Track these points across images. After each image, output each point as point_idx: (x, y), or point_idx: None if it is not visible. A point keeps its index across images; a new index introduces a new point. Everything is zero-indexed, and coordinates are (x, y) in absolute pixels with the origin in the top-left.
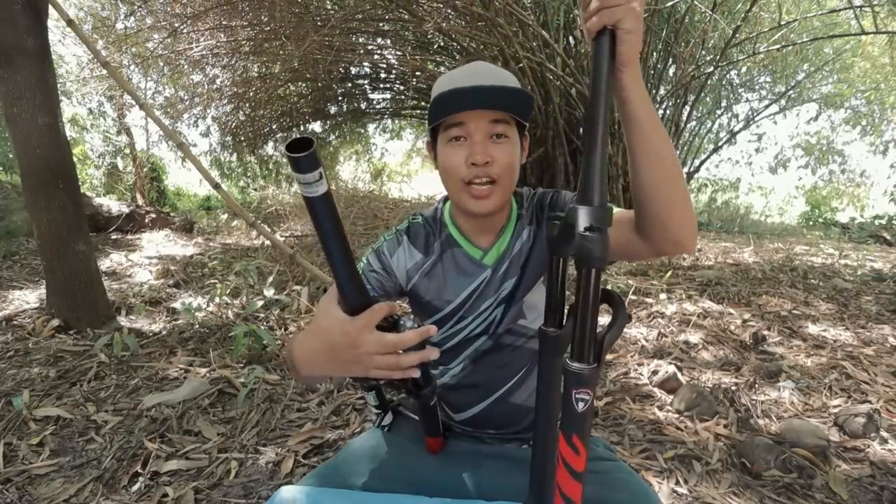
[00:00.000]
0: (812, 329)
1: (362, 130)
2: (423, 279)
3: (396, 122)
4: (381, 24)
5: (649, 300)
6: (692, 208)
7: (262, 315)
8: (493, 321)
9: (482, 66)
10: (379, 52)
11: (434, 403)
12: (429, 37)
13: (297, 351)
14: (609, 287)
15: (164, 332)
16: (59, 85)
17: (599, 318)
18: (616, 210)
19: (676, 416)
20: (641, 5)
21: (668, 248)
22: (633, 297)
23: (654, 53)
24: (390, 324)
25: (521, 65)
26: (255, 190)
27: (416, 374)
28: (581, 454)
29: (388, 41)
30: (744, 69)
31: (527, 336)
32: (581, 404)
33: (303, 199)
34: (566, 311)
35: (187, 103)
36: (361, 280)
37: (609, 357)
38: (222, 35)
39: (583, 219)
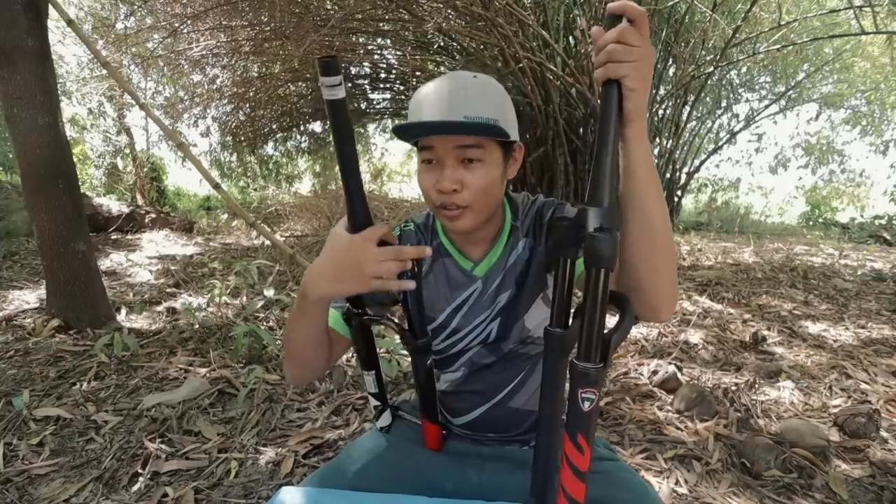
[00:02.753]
0: (812, 329)
1: (362, 130)
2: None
3: (396, 122)
4: (381, 24)
5: None
6: (674, 278)
7: (262, 315)
8: (488, 335)
9: (459, 83)
10: (379, 52)
11: (430, 364)
12: (429, 37)
13: (307, 274)
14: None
15: (164, 332)
16: (59, 85)
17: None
18: None
19: (676, 416)
20: (648, 67)
21: (644, 313)
22: None
23: (654, 53)
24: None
25: (521, 65)
26: (255, 190)
27: (412, 285)
28: (585, 454)
29: (388, 41)
30: (744, 69)
31: (525, 343)
32: (587, 404)
33: (325, 104)
34: (572, 312)
35: (187, 103)
36: (365, 196)
37: None
38: (222, 35)
39: (593, 219)
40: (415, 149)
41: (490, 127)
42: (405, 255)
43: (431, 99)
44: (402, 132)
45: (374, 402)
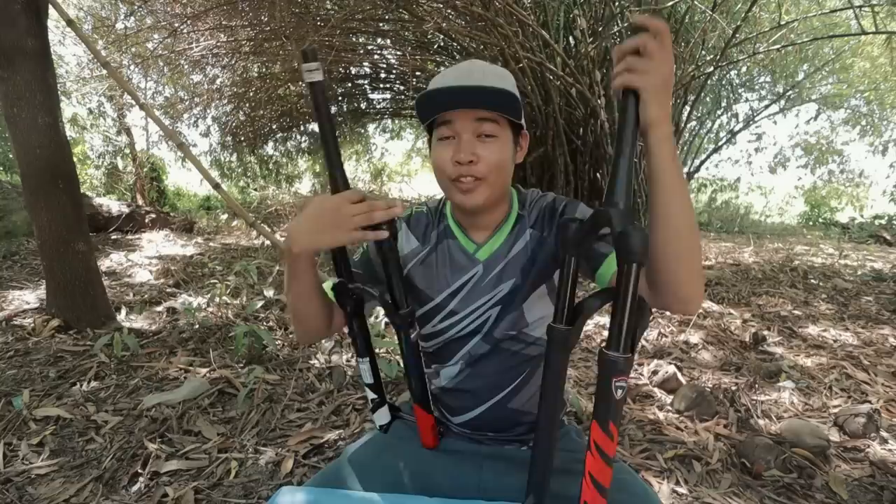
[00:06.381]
0: (812, 329)
1: (362, 130)
2: (417, 267)
3: (396, 122)
4: (381, 24)
5: None
6: (701, 273)
7: (262, 315)
8: (486, 321)
9: (476, 64)
10: (379, 52)
11: (415, 337)
12: (429, 37)
13: (289, 230)
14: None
15: (164, 332)
16: (59, 85)
17: (597, 316)
18: None
19: (676, 416)
20: (662, 79)
21: (673, 306)
22: None
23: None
24: None
25: (521, 65)
26: (255, 190)
27: (384, 234)
28: (615, 440)
29: (388, 41)
30: (744, 69)
31: (527, 343)
32: (619, 392)
33: (307, 87)
34: (573, 308)
35: (187, 103)
36: (344, 168)
37: None
38: (222, 35)
39: (618, 219)
40: (415, 148)
41: (509, 95)
42: (376, 208)
43: (453, 75)
44: (426, 101)
45: (370, 394)
